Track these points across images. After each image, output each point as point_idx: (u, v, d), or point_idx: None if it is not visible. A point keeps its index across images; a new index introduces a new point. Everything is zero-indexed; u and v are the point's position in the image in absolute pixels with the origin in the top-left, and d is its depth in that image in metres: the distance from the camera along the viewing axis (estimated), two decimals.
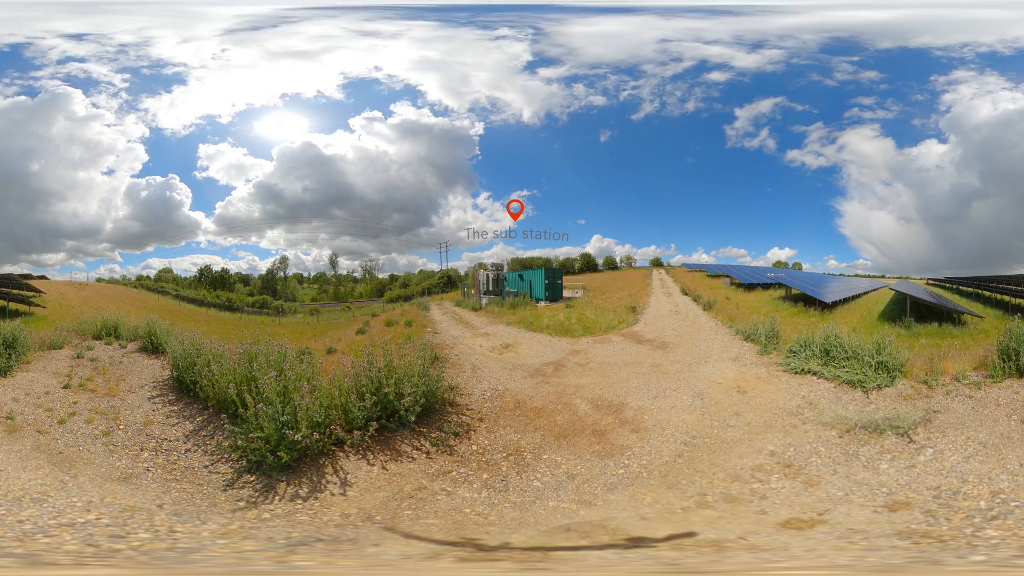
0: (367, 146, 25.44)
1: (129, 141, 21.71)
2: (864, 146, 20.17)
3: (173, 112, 21.69)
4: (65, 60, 20.33)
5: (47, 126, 21.09)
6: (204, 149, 22.50)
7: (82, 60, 20.46)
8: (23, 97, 20.70)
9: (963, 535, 6.86)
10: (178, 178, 22.63)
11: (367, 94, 24.18)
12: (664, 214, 25.71)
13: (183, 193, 22.64)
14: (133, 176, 22.27)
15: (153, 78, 21.33)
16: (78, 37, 20.28)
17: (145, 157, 22.00)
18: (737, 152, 23.19)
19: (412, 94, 24.68)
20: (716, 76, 21.84)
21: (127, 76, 21.13)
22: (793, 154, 21.88)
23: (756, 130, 22.46)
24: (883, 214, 20.80)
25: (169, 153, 22.41)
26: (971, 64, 18.86)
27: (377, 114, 24.95)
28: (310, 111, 23.74)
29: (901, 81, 19.73)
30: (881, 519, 7.55)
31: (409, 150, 26.09)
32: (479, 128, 25.95)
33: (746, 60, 20.79)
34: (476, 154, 26.41)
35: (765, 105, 21.82)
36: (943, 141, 19.40)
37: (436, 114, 25.62)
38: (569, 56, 22.93)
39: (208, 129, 22.36)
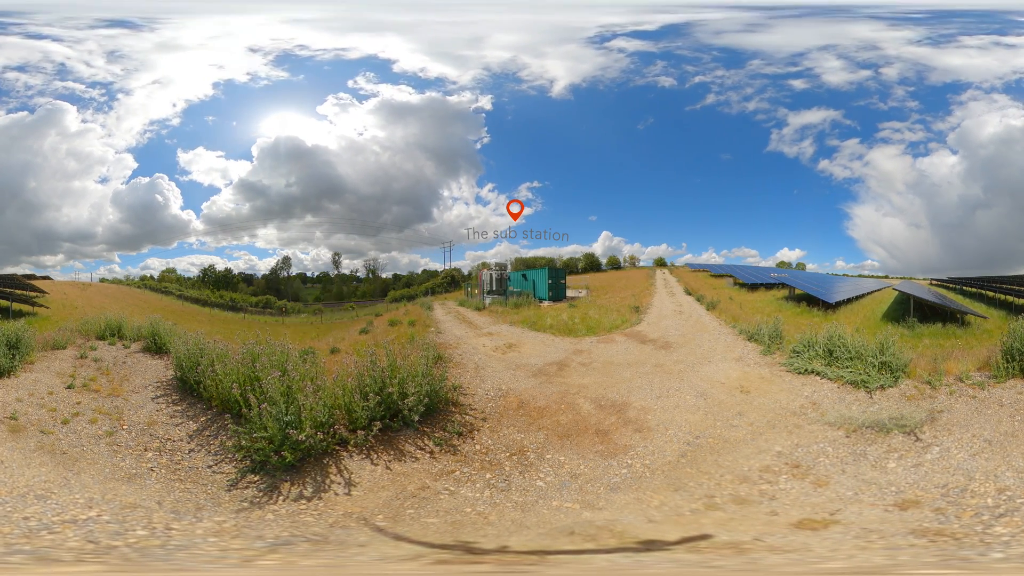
0: (349, 134, 23.84)
1: (117, 152, 22.00)
2: (886, 163, 21.77)
3: (124, 125, 21.84)
4: (31, 87, 20.85)
5: (43, 141, 21.54)
6: (183, 156, 22.58)
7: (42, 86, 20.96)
8: (24, 113, 21.18)
9: (975, 532, 6.91)
10: (166, 177, 22.62)
11: (306, 68, 22.24)
12: (681, 211, 24.89)
13: (170, 194, 22.65)
14: (123, 183, 22.48)
15: (94, 97, 21.62)
16: (22, 69, 20.70)
17: (135, 165, 22.26)
18: (774, 156, 22.93)
19: (377, 65, 22.50)
20: (797, 83, 21.66)
21: (103, 92, 21.46)
22: (824, 164, 22.36)
23: (800, 138, 22.45)
24: (894, 220, 21.74)
25: (151, 162, 22.60)
26: (981, 87, 20.04)
27: (346, 97, 23.09)
28: (262, 99, 22.48)
29: (931, 112, 21.09)
30: (893, 518, 7.57)
31: (401, 135, 24.24)
32: (485, 102, 23.26)
33: (837, 76, 21.04)
34: (482, 136, 23.98)
35: (818, 116, 21.80)
36: (954, 152, 21.18)
37: (421, 86, 23.17)
38: (693, 31, 21.47)
39: (164, 134, 22.24)
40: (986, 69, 20.08)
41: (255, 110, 22.68)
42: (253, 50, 21.59)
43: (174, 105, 21.84)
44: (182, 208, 22.73)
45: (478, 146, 24.34)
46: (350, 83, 22.83)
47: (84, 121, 21.58)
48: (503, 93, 23.16)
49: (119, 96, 21.59)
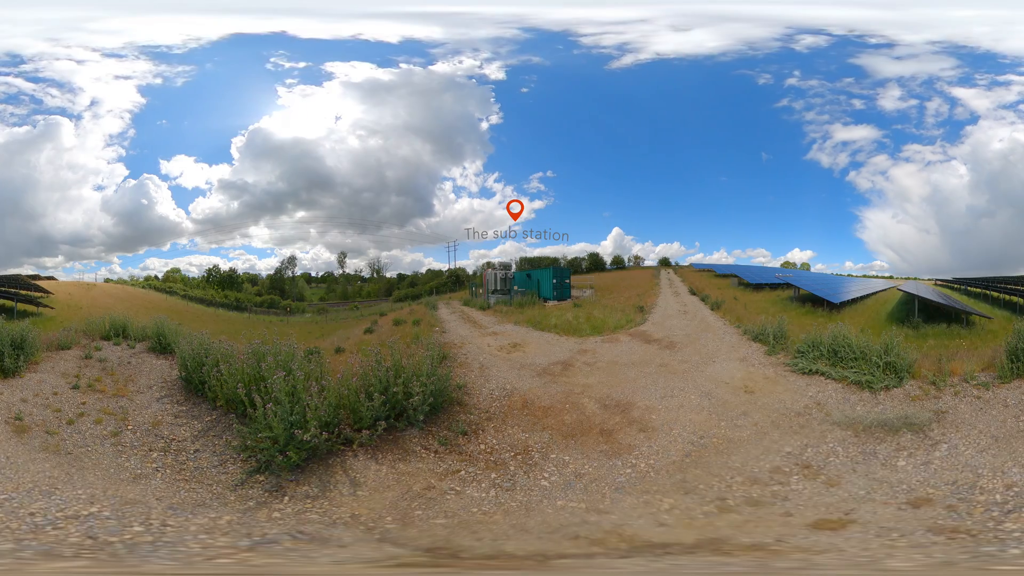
0: (323, 122, 23.34)
1: (109, 162, 22.43)
2: (905, 180, 23.30)
3: (91, 141, 22.32)
4: (16, 115, 21.62)
5: (41, 154, 22.29)
6: (165, 164, 22.87)
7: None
8: (26, 127, 21.88)
9: (988, 529, 6.98)
10: (156, 178, 22.89)
11: (196, 58, 21.79)
12: (700, 208, 24.94)
13: (158, 196, 22.92)
14: (114, 190, 22.83)
15: (80, 114, 22.18)
16: (5, 101, 21.23)
17: (126, 171, 22.66)
18: (809, 164, 23.48)
19: (276, 42, 21.42)
20: (857, 103, 22.68)
21: (89, 108, 21.92)
22: (852, 175, 23.24)
23: (839, 151, 23.04)
24: (906, 227, 23.05)
25: (138, 171, 22.96)
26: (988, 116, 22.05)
27: (294, 83, 22.48)
28: (198, 95, 22.49)
29: (950, 140, 22.72)
30: (908, 516, 7.61)
31: (389, 115, 22.97)
32: (494, 70, 21.17)
33: (891, 103, 22.35)
34: (491, 113, 22.33)
35: (861, 133, 22.64)
36: (964, 164, 22.89)
37: (384, 54, 21.33)
38: (861, 46, 21.72)
39: (127, 146, 22.60)
40: (988, 104, 21.85)
41: (201, 107, 22.85)
42: (104, 53, 21.67)
43: (120, 118, 22.14)
44: (173, 209, 23.01)
45: (484, 125, 23.24)
46: (268, 66, 22.18)
47: (78, 135, 22.16)
48: (535, 55, 21.36)
49: (71, 120, 22.12)
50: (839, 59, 21.85)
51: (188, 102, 22.40)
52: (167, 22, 21.41)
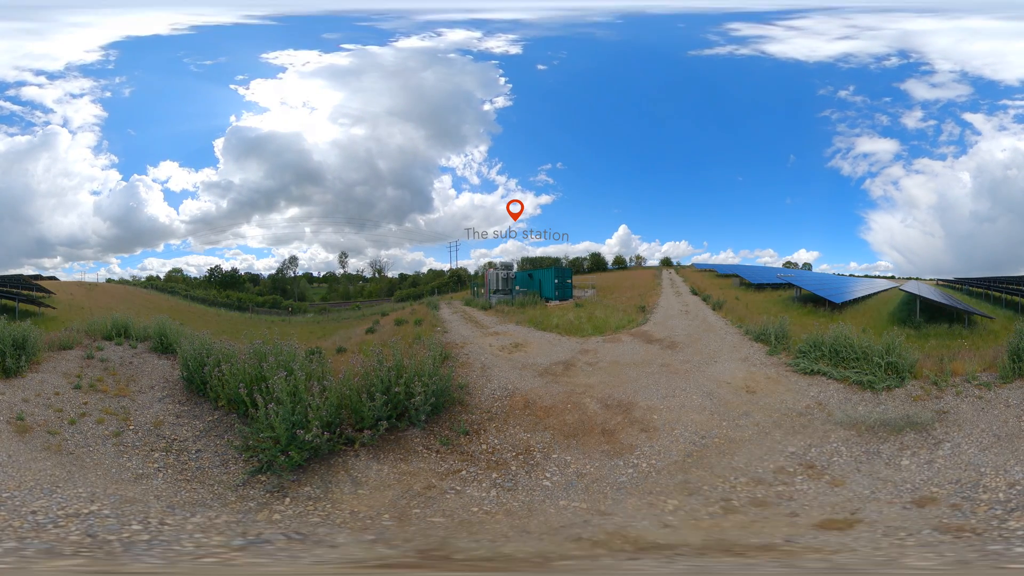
0: (297, 115, 22.74)
1: (103, 168, 22.67)
2: (915, 190, 23.86)
3: (75, 153, 22.54)
4: (11, 133, 22.07)
5: (39, 162, 22.81)
6: (153, 171, 23.01)
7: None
8: (28, 136, 22.38)
9: (992, 527, 7.00)
10: (147, 179, 23.00)
11: (124, 66, 21.72)
12: (711, 206, 24.97)
13: (150, 198, 23.04)
14: (107, 195, 23.02)
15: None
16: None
17: (119, 175, 22.89)
18: (830, 171, 23.79)
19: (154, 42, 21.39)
20: (883, 119, 23.34)
21: (64, 124, 22.32)
22: (867, 183, 23.82)
23: (860, 161, 23.58)
24: (912, 231, 23.74)
25: (128, 176, 23.15)
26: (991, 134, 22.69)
27: (243, 78, 21.81)
28: (152, 101, 22.36)
29: (959, 156, 23.10)
30: (913, 515, 7.63)
31: (374, 101, 22.10)
32: (500, 44, 19.10)
33: (913, 122, 22.91)
34: (498, 94, 20.63)
35: (882, 146, 23.30)
36: (967, 171, 23.44)
37: (319, 37, 20.48)
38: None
39: (108, 156, 22.79)
40: (991, 128, 22.48)
41: (162, 112, 22.97)
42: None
43: (92, 131, 22.46)
44: (164, 211, 23.12)
45: (487, 107, 21.80)
46: (193, 68, 21.88)
47: (69, 147, 22.54)
48: (596, 28, 20.23)
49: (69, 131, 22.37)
50: (890, 80, 22.59)
51: (145, 109, 22.64)
52: (55, 40, 21.95)
